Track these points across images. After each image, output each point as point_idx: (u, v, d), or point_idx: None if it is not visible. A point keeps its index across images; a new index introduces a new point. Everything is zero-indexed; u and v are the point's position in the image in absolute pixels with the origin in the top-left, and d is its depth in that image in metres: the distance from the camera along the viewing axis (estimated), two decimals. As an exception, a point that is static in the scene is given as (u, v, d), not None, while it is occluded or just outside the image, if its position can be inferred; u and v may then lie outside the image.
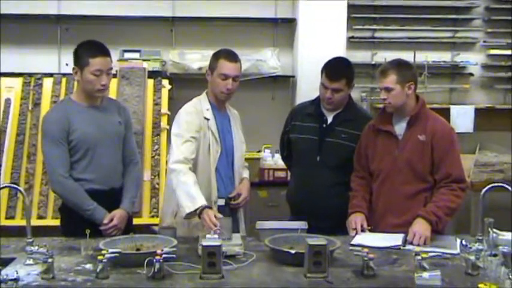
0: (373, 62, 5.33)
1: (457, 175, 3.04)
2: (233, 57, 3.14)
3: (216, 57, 3.15)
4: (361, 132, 3.28)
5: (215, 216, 2.78)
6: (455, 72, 5.53)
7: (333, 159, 3.33)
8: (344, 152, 3.31)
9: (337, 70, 3.29)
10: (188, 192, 2.91)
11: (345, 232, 3.06)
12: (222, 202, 3.15)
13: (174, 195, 2.99)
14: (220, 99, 3.19)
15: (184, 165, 3.00)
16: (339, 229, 3.04)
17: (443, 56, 5.46)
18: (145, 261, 2.35)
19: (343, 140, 3.32)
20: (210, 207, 2.89)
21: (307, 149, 3.39)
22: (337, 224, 3.12)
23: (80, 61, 2.97)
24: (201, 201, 2.88)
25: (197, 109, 3.18)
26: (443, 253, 2.68)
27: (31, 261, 2.49)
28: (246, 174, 3.36)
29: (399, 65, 3.08)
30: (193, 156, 3.05)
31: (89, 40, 3.07)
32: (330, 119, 3.37)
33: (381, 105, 3.32)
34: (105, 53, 3.00)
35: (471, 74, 5.52)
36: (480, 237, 2.66)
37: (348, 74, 3.31)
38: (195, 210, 2.85)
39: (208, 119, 3.15)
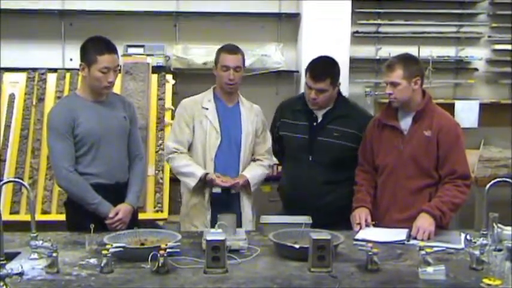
0: (378, 57, 5.32)
1: (463, 171, 3.03)
2: (233, 50, 3.32)
3: (218, 51, 3.34)
4: (353, 129, 3.26)
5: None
6: (460, 67, 5.51)
7: (325, 158, 3.30)
8: (336, 150, 3.29)
9: (321, 70, 3.24)
10: (185, 172, 3.28)
11: (339, 229, 3.00)
12: (218, 190, 3.28)
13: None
14: (226, 90, 3.33)
15: (176, 153, 3.31)
16: (333, 226, 2.99)
17: (448, 51, 5.44)
18: (150, 255, 2.36)
19: (335, 139, 3.29)
20: (209, 172, 3.23)
21: (299, 149, 3.36)
22: (330, 221, 2.99)
23: (87, 58, 2.98)
24: (199, 172, 3.23)
25: (195, 100, 3.38)
26: (447, 248, 2.68)
27: (36, 256, 2.50)
28: (247, 170, 3.33)
29: (406, 60, 3.07)
30: (186, 141, 3.32)
31: (96, 36, 3.07)
32: (320, 117, 3.33)
33: (385, 100, 3.31)
34: (113, 50, 3.00)
35: (476, 69, 5.50)
36: (485, 232, 2.65)
37: (333, 73, 3.26)
38: (200, 181, 3.21)
39: (206, 108, 3.31)
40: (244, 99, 3.46)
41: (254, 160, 3.42)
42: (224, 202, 3.27)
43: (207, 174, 3.22)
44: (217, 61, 3.32)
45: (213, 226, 3.12)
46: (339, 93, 3.37)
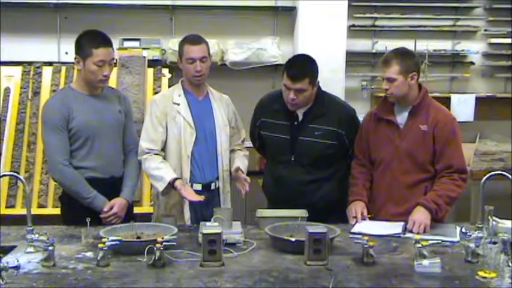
0: (374, 51, 5.32)
1: (459, 166, 3.03)
2: (196, 40, 3.17)
3: (181, 44, 3.20)
4: (334, 126, 3.22)
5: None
6: (456, 60, 5.51)
7: (308, 158, 3.24)
8: (318, 149, 3.22)
9: (299, 70, 3.12)
10: (154, 176, 3.10)
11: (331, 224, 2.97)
12: (198, 187, 3.18)
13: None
14: (194, 83, 3.22)
15: (147, 154, 3.14)
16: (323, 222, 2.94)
17: (444, 45, 5.45)
18: (146, 249, 2.36)
19: (316, 138, 3.22)
20: (178, 178, 3.06)
21: (281, 149, 3.29)
22: (319, 219, 2.89)
23: (82, 51, 2.97)
24: (168, 177, 3.04)
25: (165, 96, 3.28)
26: (443, 241, 2.68)
27: (32, 249, 2.50)
28: (239, 163, 3.27)
29: (402, 55, 3.05)
30: (160, 140, 3.16)
31: (92, 30, 3.06)
32: (300, 116, 3.25)
33: (381, 94, 3.30)
34: (108, 44, 3.00)
35: (472, 63, 5.51)
36: (480, 225, 2.66)
37: (311, 72, 3.15)
38: (168, 186, 3.04)
39: (178, 104, 3.20)
40: (213, 90, 3.35)
41: (233, 151, 3.34)
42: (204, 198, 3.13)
43: (176, 179, 3.05)
44: (181, 54, 3.17)
45: (195, 223, 3.10)
46: (319, 88, 3.26)
